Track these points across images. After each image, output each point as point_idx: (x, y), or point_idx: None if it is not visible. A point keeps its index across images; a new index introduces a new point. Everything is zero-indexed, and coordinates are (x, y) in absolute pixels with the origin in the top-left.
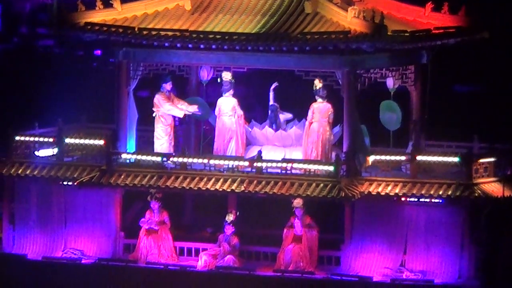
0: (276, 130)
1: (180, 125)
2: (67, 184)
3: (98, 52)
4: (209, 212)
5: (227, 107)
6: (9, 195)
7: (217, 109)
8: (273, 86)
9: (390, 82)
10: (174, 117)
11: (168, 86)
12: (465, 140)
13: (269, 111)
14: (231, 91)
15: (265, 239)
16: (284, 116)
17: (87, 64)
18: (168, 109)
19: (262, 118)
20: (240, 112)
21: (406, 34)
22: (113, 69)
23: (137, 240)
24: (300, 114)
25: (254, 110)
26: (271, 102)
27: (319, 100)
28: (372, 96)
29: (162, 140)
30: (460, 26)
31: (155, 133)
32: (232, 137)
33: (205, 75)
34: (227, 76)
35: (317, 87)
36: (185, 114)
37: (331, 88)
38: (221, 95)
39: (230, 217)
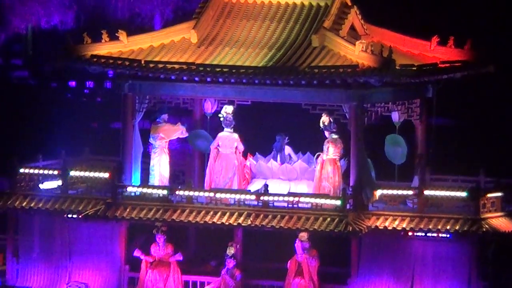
0: (281, 161)
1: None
2: (72, 217)
3: (73, 83)
4: (213, 245)
5: (229, 142)
6: (13, 227)
7: (215, 142)
8: (285, 141)
9: (395, 116)
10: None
11: (166, 116)
12: (469, 173)
13: (276, 140)
14: (232, 125)
15: (271, 272)
16: (289, 150)
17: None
18: (183, 134)
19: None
20: (241, 147)
21: (413, 68)
22: (87, 101)
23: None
24: (304, 147)
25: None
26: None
27: (333, 135)
28: (378, 130)
29: (167, 172)
30: (466, 60)
31: (161, 165)
32: (234, 173)
33: (209, 107)
34: (229, 110)
35: (326, 123)
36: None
37: (338, 122)
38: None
39: (230, 251)
